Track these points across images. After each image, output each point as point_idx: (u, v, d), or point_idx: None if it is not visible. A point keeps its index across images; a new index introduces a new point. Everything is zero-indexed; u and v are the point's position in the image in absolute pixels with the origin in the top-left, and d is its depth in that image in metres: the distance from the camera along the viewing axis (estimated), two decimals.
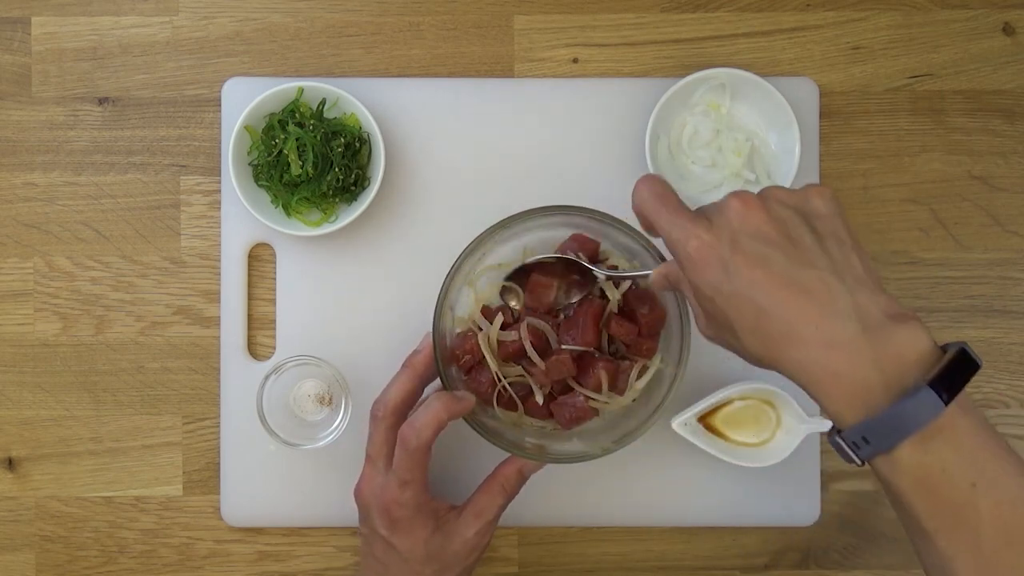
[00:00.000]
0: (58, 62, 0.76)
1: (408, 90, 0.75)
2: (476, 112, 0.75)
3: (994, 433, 0.48)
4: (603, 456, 0.65)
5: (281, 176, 0.72)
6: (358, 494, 0.66)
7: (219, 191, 0.75)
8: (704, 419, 0.72)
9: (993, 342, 0.76)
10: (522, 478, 0.67)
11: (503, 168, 0.75)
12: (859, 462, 0.48)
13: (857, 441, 0.47)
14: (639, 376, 0.68)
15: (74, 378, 0.76)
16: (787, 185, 0.72)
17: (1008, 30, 0.76)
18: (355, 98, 0.72)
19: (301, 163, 0.71)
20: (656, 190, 0.54)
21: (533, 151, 0.75)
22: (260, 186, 0.73)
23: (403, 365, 0.66)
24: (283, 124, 0.72)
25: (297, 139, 0.71)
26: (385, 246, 0.75)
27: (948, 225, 0.76)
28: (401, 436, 0.63)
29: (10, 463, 0.76)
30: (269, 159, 0.72)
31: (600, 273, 0.67)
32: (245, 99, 0.74)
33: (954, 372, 0.46)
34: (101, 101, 0.76)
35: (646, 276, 0.63)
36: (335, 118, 0.73)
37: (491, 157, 0.75)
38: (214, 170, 0.76)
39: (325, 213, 0.73)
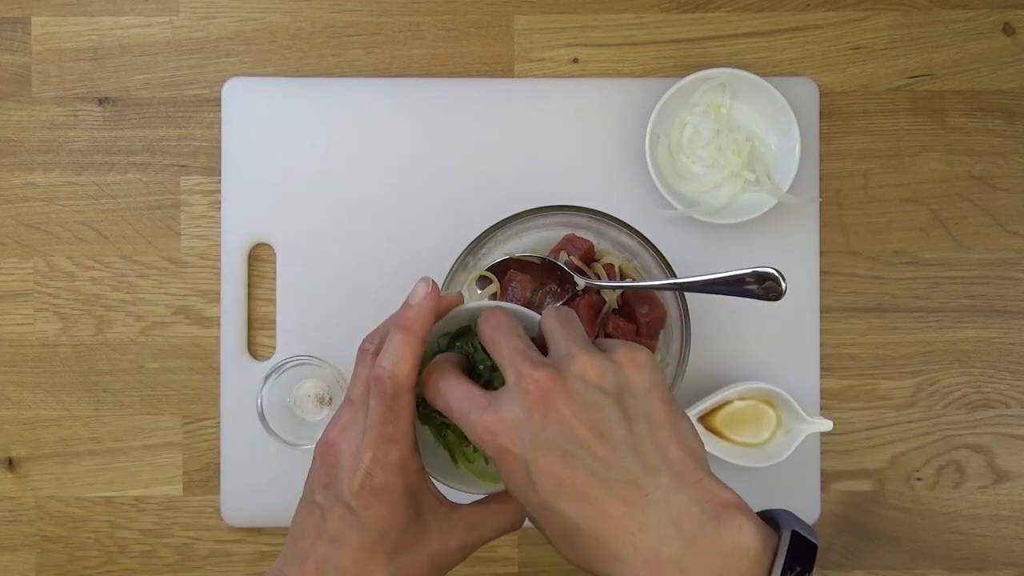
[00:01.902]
0: (58, 62, 0.76)
1: (408, 90, 0.75)
2: (476, 112, 0.75)
3: None
4: None
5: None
6: (327, 447, 0.50)
7: (219, 191, 0.75)
8: (704, 419, 0.72)
9: (993, 342, 0.76)
10: None
11: (503, 168, 0.75)
12: None
13: None
14: None
15: (74, 378, 0.76)
16: (787, 185, 0.72)
17: (1008, 30, 0.76)
18: None
19: None
20: (449, 380, 0.47)
21: (533, 151, 0.75)
22: (425, 424, 0.55)
23: (398, 328, 0.49)
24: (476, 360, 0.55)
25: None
26: (385, 246, 0.75)
27: (948, 225, 0.76)
28: (374, 380, 0.48)
29: (10, 463, 0.76)
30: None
31: (580, 282, 0.67)
32: (245, 99, 0.75)
33: (795, 573, 0.41)
34: (101, 101, 0.76)
35: (626, 288, 0.62)
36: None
37: (491, 157, 0.75)
38: (214, 170, 0.76)
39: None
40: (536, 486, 0.43)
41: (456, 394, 0.46)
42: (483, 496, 0.53)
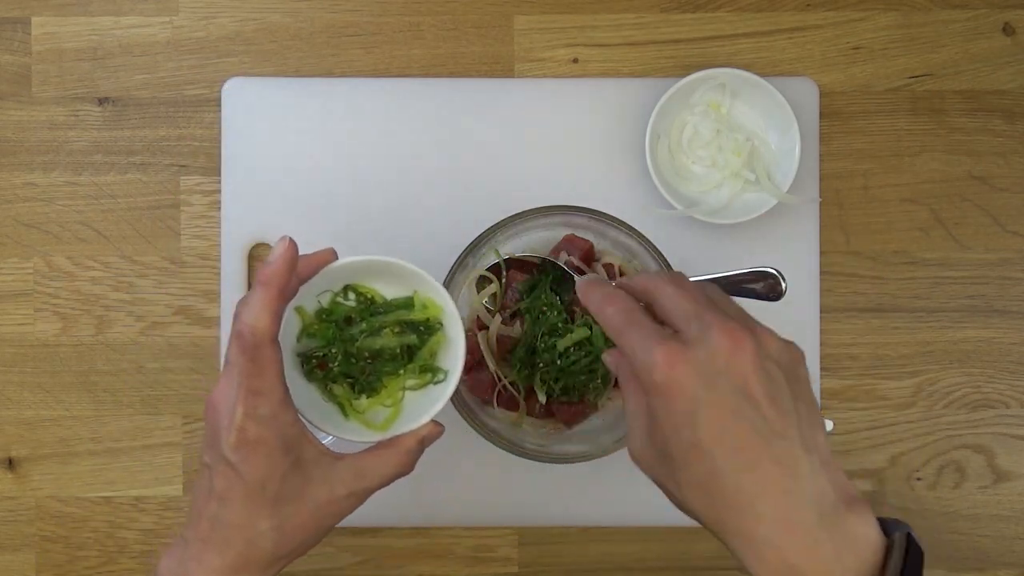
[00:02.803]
0: (58, 62, 0.76)
1: (408, 90, 0.75)
2: (476, 112, 0.75)
3: None
4: (603, 456, 0.65)
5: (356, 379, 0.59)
6: (208, 408, 0.51)
7: (219, 191, 0.75)
8: None
9: (993, 342, 0.76)
10: (420, 449, 0.57)
11: (503, 168, 0.75)
12: None
13: None
14: None
15: (74, 378, 0.76)
16: (787, 185, 0.72)
17: (1008, 30, 0.76)
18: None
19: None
20: (623, 306, 0.48)
21: (533, 151, 0.75)
22: (312, 381, 0.58)
23: (259, 283, 0.51)
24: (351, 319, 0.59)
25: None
26: (385, 245, 0.75)
27: (948, 225, 0.76)
28: (235, 336, 0.50)
29: (10, 463, 0.76)
30: (339, 356, 0.58)
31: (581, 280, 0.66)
32: (245, 99, 0.75)
33: (911, 569, 0.43)
34: (101, 101, 0.76)
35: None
36: (394, 299, 0.60)
37: (491, 157, 0.75)
38: (214, 170, 0.76)
39: (393, 408, 0.60)
40: (696, 426, 0.44)
41: (635, 320, 0.47)
42: (369, 446, 0.55)
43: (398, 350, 0.59)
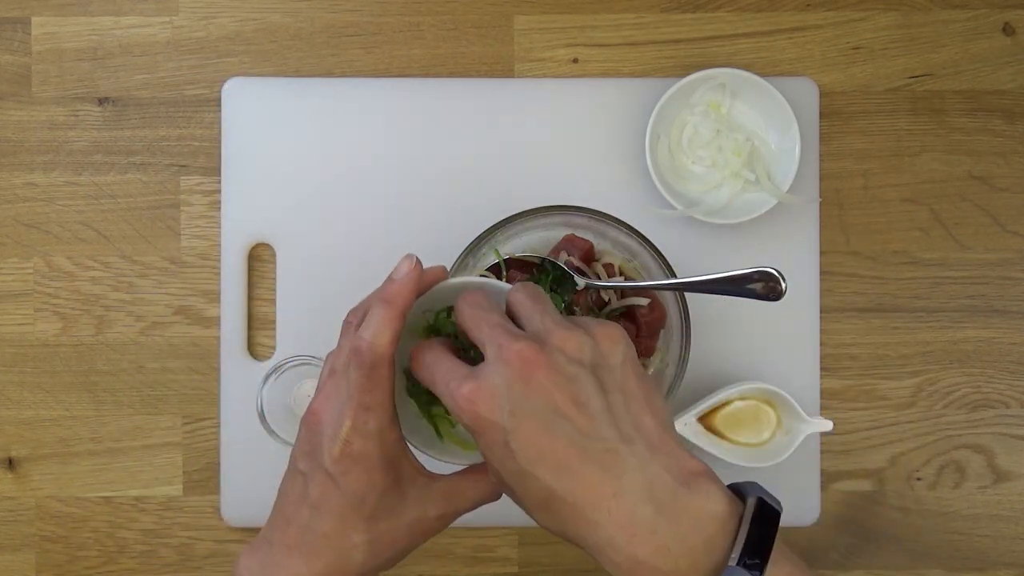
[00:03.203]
0: (58, 62, 0.76)
1: (408, 90, 0.75)
2: (476, 112, 0.75)
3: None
4: None
5: None
6: (311, 416, 0.52)
7: (219, 191, 0.75)
8: (704, 419, 0.72)
9: (993, 342, 0.76)
10: None
11: (503, 168, 0.75)
12: None
13: None
14: None
15: (74, 378, 0.76)
16: (787, 185, 0.72)
17: (1008, 30, 0.76)
18: None
19: None
20: (434, 350, 0.49)
21: (533, 151, 0.75)
22: (412, 397, 0.57)
23: (382, 301, 0.50)
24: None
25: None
26: (385, 245, 0.75)
27: (948, 225, 0.76)
28: (353, 351, 0.50)
29: (10, 463, 0.76)
30: None
31: (580, 282, 0.67)
32: (245, 99, 0.75)
33: (759, 535, 0.44)
34: (101, 101, 0.76)
35: (626, 288, 0.62)
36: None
37: (491, 157, 0.75)
38: (214, 170, 0.76)
39: None
40: (515, 454, 0.44)
41: (441, 367, 0.47)
42: (463, 468, 0.54)
43: None
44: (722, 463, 0.72)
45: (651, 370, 0.68)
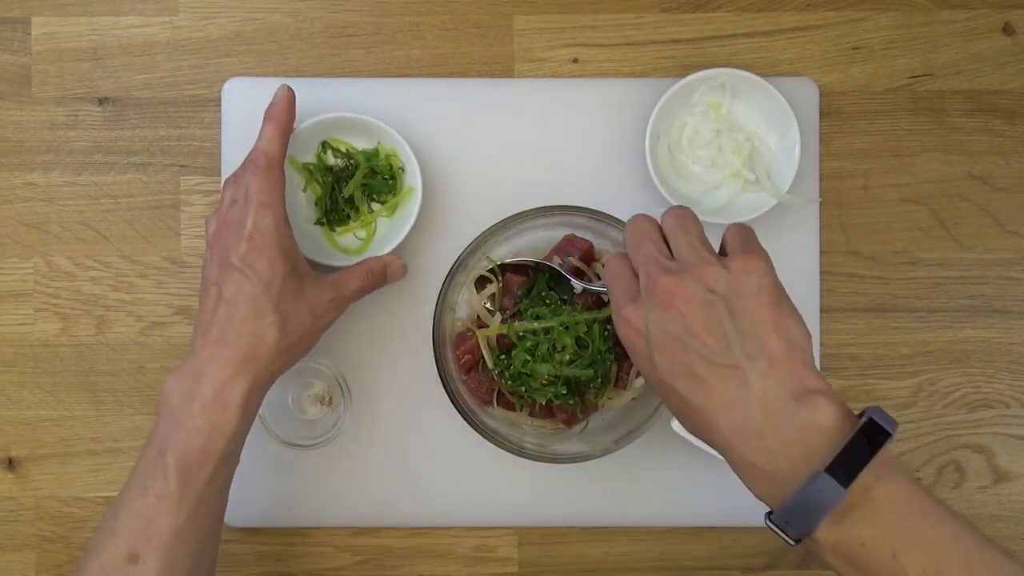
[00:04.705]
0: (58, 62, 0.76)
1: (408, 90, 0.75)
2: (476, 112, 0.75)
3: (921, 496, 0.49)
4: (603, 456, 0.65)
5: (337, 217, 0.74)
6: (216, 238, 0.64)
7: (219, 191, 0.75)
8: None
9: (993, 342, 0.76)
10: (383, 274, 0.69)
11: (502, 168, 0.75)
12: (792, 542, 0.50)
13: (781, 524, 0.49)
14: (638, 375, 0.69)
15: (74, 378, 0.76)
16: (787, 185, 0.72)
17: (1008, 30, 0.76)
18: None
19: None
20: (612, 269, 0.56)
21: (533, 151, 0.75)
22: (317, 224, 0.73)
23: (267, 119, 0.66)
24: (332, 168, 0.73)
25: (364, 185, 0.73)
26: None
27: (948, 225, 0.76)
28: (250, 161, 0.64)
29: (10, 463, 0.76)
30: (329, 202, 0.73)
31: (577, 285, 0.67)
32: (245, 99, 0.75)
33: (856, 450, 0.48)
34: (101, 101, 0.76)
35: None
36: (363, 149, 0.74)
37: (490, 157, 0.75)
38: (214, 170, 0.76)
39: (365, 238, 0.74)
40: (657, 367, 0.52)
41: (617, 283, 0.55)
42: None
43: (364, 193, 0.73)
44: (722, 463, 0.72)
45: None
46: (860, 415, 0.50)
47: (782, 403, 0.49)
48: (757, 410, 0.50)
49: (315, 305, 0.64)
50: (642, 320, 0.53)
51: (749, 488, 0.51)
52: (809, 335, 0.52)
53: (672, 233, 0.55)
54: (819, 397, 0.49)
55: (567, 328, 0.65)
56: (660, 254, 0.54)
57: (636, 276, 0.55)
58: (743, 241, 0.55)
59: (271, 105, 0.66)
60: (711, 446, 0.53)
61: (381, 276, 0.69)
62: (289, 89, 0.67)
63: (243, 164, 0.65)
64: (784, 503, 0.49)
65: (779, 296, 0.52)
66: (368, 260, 0.69)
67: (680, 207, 0.56)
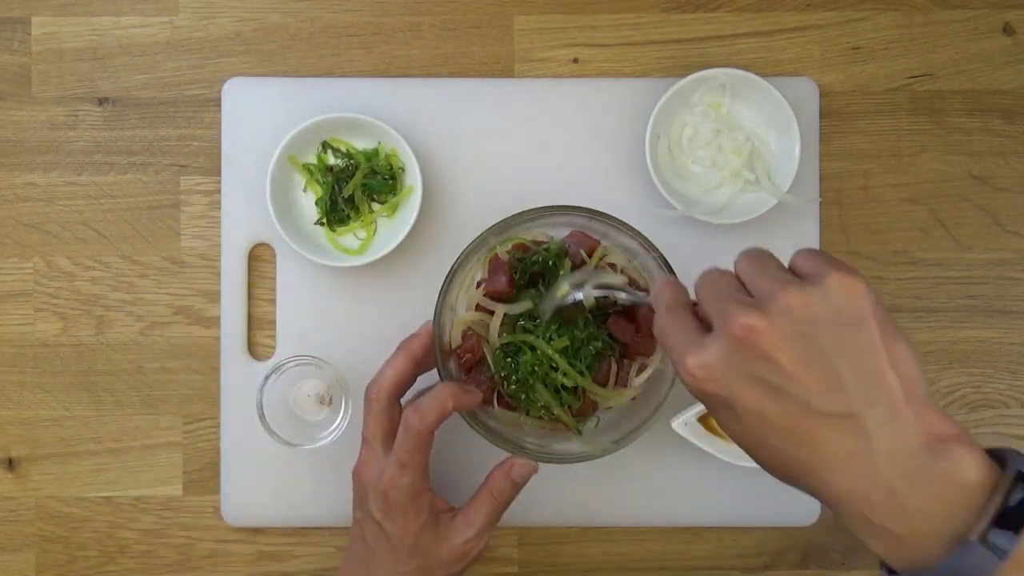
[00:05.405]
0: (58, 62, 0.76)
1: (408, 90, 0.75)
2: (476, 112, 0.75)
3: None
4: (603, 456, 0.65)
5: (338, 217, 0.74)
6: (356, 475, 0.65)
7: (219, 191, 0.75)
8: (704, 419, 0.72)
9: (993, 342, 0.76)
10: (512, 484, 0.65)
11: (502, 168, 0.75)
12: None
13: None
14: (638, 373, 0.68)
15: (74, 378, 0.76)
16: (787, 185, 0.72)
17: (1008, 30, 0.76)
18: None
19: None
20: (666, 298, 0.49)
21: (533, 151, 0.75)
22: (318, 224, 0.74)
23: (398, 348, 0.65)
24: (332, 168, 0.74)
25: (365, 185, 0.73)
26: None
27: (948, 225, 0.76)
28: (405, 419, 0.63)
29: (10, 463, 0.76)
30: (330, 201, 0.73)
31: (587, 297, 0.66)
32: (245, 99, 0.75)
33: (1012, 514, 0.40)
34: (101, 101, 0.76)
35: (616, 295, 0.63)
36: (363, 149, 0.74)
37: (491, 157, 0.75)
38: (214, 170, 0.76)
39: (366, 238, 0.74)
40: (741, 420, 0.44)
41: (672, 334, 0.47)
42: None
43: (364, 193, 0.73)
44: (722, 463, 0.72)
45: (651, 369, 0.68)
46: (997, 457, 0.43)
47: (913, 455, 0.42)
48: (884, 465, 0.42)
49: (451, 549, 0.64)
50: (716, 370, 0.44)
51: (867, 544, 0.44)
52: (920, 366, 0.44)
53: (745, 272, 0.47)
54: (955, 446, 0.42)
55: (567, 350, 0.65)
56: (738, 292, 0.46)
57: (689, 322, 0.47)
58: (827, 261, 0.45)
59: (443, 385, 0.63)
60: (817, 499, 0.45)
61: (511, 487, 0.65)
62: (457, 389, 0.63)
63: (379, 413, 0.64)
64: (925, 569, 0.42)
65: (887, 321, 0.43)
66: (489, 479, 0.65)
67: (752, 247, 0.48)
